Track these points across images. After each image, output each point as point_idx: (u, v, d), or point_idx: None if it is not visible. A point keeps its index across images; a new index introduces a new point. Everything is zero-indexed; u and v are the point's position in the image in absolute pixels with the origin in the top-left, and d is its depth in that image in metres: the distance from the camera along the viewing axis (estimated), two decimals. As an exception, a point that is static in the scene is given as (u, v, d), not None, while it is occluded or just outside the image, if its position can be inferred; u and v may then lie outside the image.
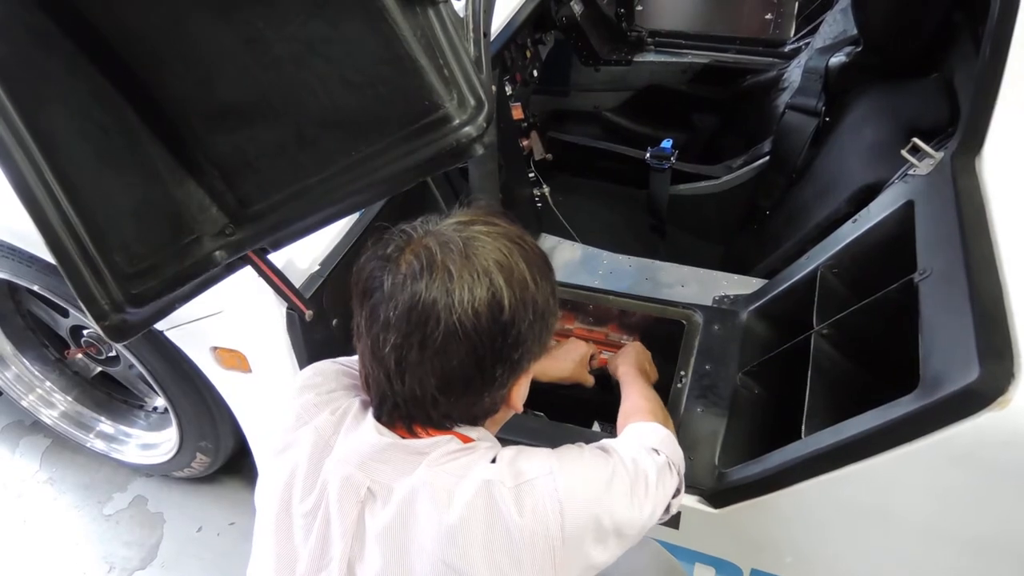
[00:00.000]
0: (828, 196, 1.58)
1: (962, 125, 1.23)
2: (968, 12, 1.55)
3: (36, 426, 2.01)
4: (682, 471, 1.01)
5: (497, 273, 0.74)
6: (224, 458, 1.73)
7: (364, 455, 0.79)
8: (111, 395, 1.87)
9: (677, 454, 1.01)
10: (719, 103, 2.44)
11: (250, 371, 1.35)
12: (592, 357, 1.46)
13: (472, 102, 0.94)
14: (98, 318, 0.92)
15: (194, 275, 1.05)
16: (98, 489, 1.91)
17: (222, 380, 1.42)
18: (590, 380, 1.43)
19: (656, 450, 0.96)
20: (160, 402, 1.82)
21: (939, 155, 1.24)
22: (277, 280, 1.16)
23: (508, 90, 1.57)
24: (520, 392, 0.84)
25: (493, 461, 0.79)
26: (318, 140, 1.00)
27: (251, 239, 1.08)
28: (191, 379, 1.47)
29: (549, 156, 1.73)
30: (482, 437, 0.84)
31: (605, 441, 0.93)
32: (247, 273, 1.12)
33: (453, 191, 1.67)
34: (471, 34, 0.95)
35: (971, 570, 1.04)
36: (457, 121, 0.94)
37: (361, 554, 0.77)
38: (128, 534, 1.81)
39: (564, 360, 1.42)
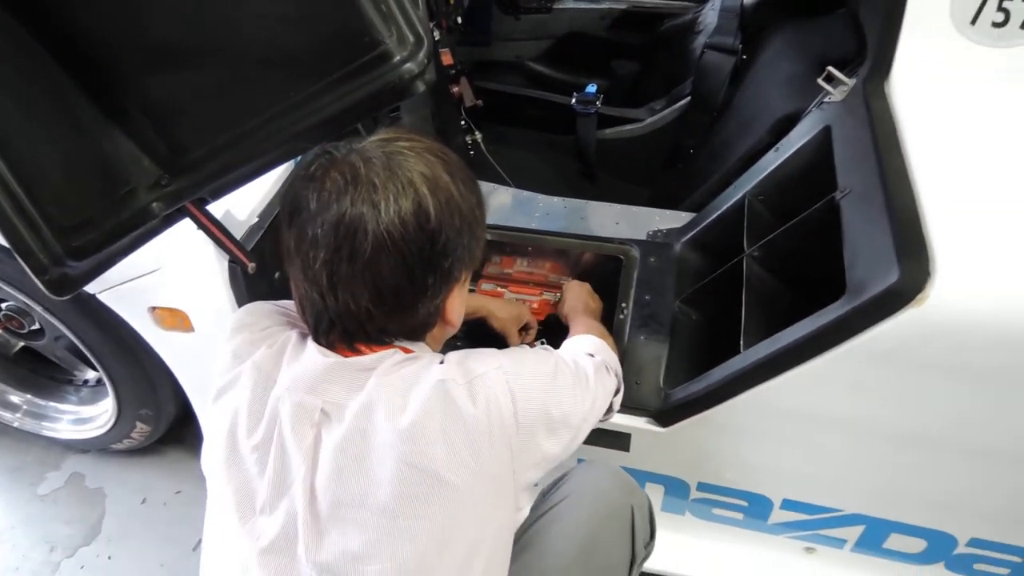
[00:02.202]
0: (750, 129, 1.64)
1: (871, 53, 1.30)
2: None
3: (-48, 412, 1.89)
4: (619, 374, 1.08)
5: (421, 183, 0.77)
6: (166, 426, 1.69)
7: (311, 379, 0.80)
8: (35, 371, 1.78)
9: (612, 358, 1.08)
10: (638, 48, 2.48)
11: (192, 330, 1.32)
12: (527, 327, 1.49)
13: (411, 38, 0.93)
14: (37, 272, 0.88)
15: (132, 228, 1.02)
16: (29, 470, 1.84)
17: (162, 342, 1.38)
18: (515, 340, 1.46)
19: (591, 354, 1.03)
20: (91, 375, 1.75)
21: (852, 82, 1.31)
22: (217, 232, 1.13)
23: (436, 35, 1.56)
24: (454, 306, 0.86)
25: (441, 364, 0.81)
26: (256, 81, 0.97)
27: (189, 189, 1.05)
28: (128, 344, 1.42)
29: (479, 103, 1.74)
30: (424, 351, 0.86)
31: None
32: (184, 227, 1.09)
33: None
34: None
35: (900, 462, 1.15)
36: (398, 58, 0.93)
37: (318, 471, 0.78)
38: (67, 512, 1.75)
39: (509, 304, 1.47)
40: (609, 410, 1.05)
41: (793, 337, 1.05)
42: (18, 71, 0.91)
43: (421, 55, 0.95)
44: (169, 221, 1.07)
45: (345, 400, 0.79)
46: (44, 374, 1.79)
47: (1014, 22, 1.12)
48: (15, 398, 1.77)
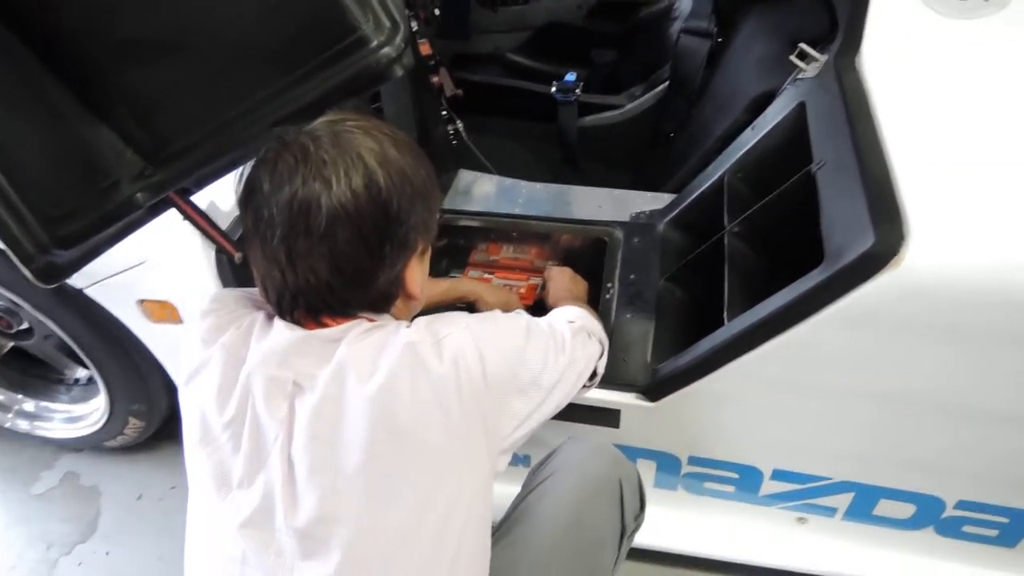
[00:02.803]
0: (727, 110, 1.67)
1: (842, 29, 1.33)
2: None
3: (-57, 417, 1.89)
4: (604, 340, 1.11)
5: (370, 157, 0.80)
6: (159, 420, 1.69)
7: (281, 353, 0.81)
8: (25, 372, 1.78)
9: (594, 324, 1.10)
10: (616, 36, 2.50)
11: (181, 322, 1.33)
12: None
13: (388, 23, 0.94)
14: (24, 261, 0.89)
15: (117, 218, 1.03)
16: (22, 471, 1.83)
17: (152, 335, 1.39)
18: None
19: (571, 320, 1.05)
20: (82, 373, 1.75)
21: (824, 58, 1.34)
22: (202, 222, 1.14)
23: (414, 26, 1.57)
24: (415, 278, 0.88)
25: (408, 328, 0.84)
26: (233, 71, 0.98)
27: (172, 179, 1.06)
28: (117, 339, 1.43)
29: (460, 92, 1.75)
30: (390, 322, 0.88)
31: None
32: (169, 219, 1.10)
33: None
34: None
35: (882, 423, 1.17)
36: (375, 43, 0.94)
37: (295, 441, 0.79)
38: (63, 510, 1.75)
39: (498, 290, 1.51)
40: (594, 375, 1.07)
41: (774, 306, 1.08)
42: None
43: (398, 39, 0.96)
44: (154, 211, 1.08)
45: (316, 371, 0.80)
46: (34, 374, 1.79)
47: (979, -7, 1.15)
48: (6, 399, 1.77)
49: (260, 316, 0.88)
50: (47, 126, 0.98)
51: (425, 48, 1.62)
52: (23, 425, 1.76)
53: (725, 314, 1.19)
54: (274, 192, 0.78)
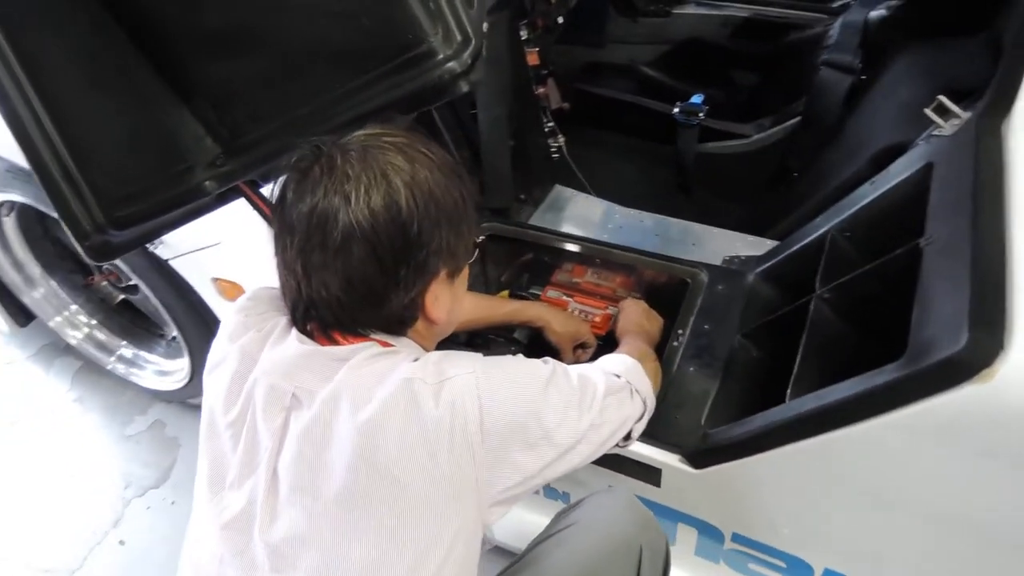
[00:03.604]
0: (853, 157, 1.51)
1: (993, 84, 1.15)
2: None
3: (69, 349, 2.09)
4: (649, 399, 1.01)
5: (394, 175, 0.77)
6: (234, 389, 1.78)
7: (287, 364, 0.81)
8: (133, 322, 1.94)
9: (642, 381, 1.01)
10: (761, 59, 2.33)
11: (249, 304, 1.38)
12: (585, 345, 1.45)
13: (459, 37, 0.94)
14: (79, 237, 0.95)
15: (182, 203, 1.07)
16: (121, 411, 2.00)
17: (225, 311, 1.45)
18: (569, 357, 1.42)
19: (617, 375, 0.96)
20: (176, 332, 1.88)
21: (965, 116, 1.16)
22: (269, 212, 1.17)
23: (524, 34, 1.53)
24: (438, 303, 0.84)
25: (415, 362, 0.80)
26: (304, 71, 1.00)
27: (241, 170, 1.09)
28: (197, 310, 1.51)
29: (566, 105, 1.69)
30: (406, 347, 0.84)
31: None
32: (242, 205, 1.13)
33: (466, 137, 1.65)
34: None
35: (948, 550, 1.01)
36: (441, 56, 0.94)
37: (283, 455, 0.79)
38: (146, 455, 1.89)
39: (569, 319, 1.45)
40: (628, 437, 0.99)
41: (841, 394, 0.95)
42: (94, 51, 0.98)
43: (466, 55, 0.95)
44: (222, 200, 1.12)
45: (316, 387, 0.79)
46: (140, 325, 1.95)
47: None
48: (111, 343, 1.94)
49: (283, 322, 0.88)
50: (133, 110, 1.03)
51: (533, 58, 1.58)
52: (121, 369, 1.92)
53: (789, 389, 1.06)
54: (297, 201, 0.78)
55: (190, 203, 1.08)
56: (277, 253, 0.83)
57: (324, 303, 0.80)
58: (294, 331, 0.85)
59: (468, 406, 0.77)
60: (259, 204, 1.14)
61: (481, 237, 0.94)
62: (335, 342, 0.82)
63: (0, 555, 1.71)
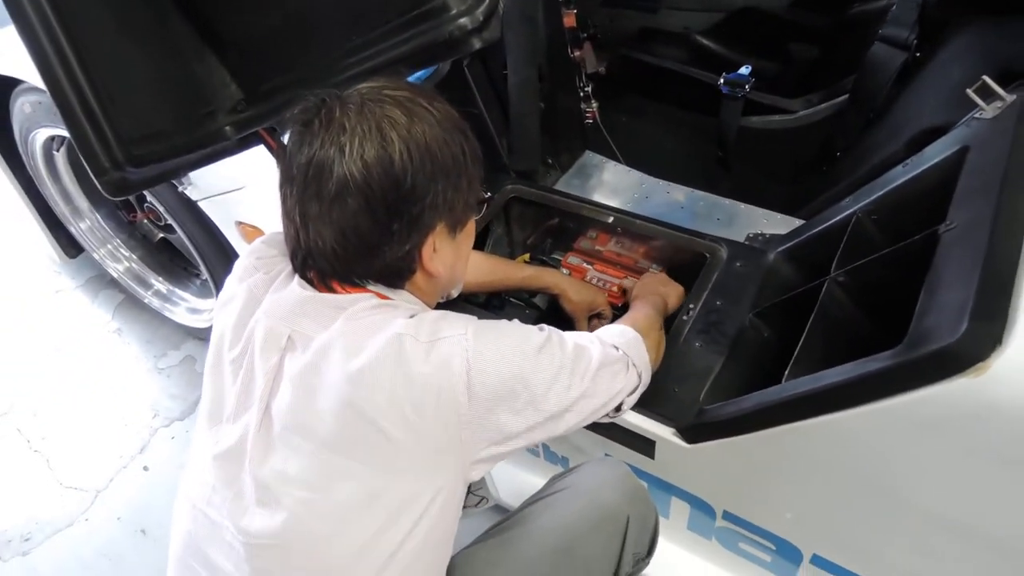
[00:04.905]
0: (894, 139, 1.44)
1: (1042, 65, 1.08)
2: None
3: (113, 282, 2.19)
4: (645, 372, 1.01)
5: (390, 128, 0.77)
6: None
7: (287, 308, 0.83)
8: (172, 260, 2.02)
9: (640, 354, 1.00)
10: (820, 32, 2.23)
11: (270, 248, 1.41)
12: (600, 315, 1.44)
13: None
14: (97, 173, 0.98)
15: (202, 145, 1.10)
16: (157, 344, 2.10)
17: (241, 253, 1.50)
18: (583, 326, 1.43)
19: (616, 346, 0.96)
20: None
21: (1010, 98, 1.10)
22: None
23: (562, -6, 1.51)
24: (437, 256, 0.85)
25: (410, 318, 0.81)
26: (320, 23, 1.01)
27: (261, 117, 1.11)
28: (225, 252, 1.56)
29: (602, 70, 1.65)
30: (405, 300, 0.85)
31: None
32: (265, 151, 1.16)
33: (497, 97, 1.64)
34: None
35: (935, 546, 0.98)
36: (455, 11, 0.93)
37: (276, 393, 0.82)
38: (175, 387, 1.98)
39: (586, 288, 1.44)
40: (619, 408, 0.99)
41: (834, 379, 0.92)
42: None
43: (480, 11, 0.94)
44: (242, 145, 1.15)
45: (312, 333, 0.81)
46: (178, 264, 2.02)
47: None
48: (151, 279, 2.02)
49: (289, 267, 0.90)
50: (166, 54, 1.06)
51: (570, 20, 1.55)
52: (155, 303, 2.01)
53: (787, 370, 1.04)
54: (297, 152, 0.80)
55: (210, 146, 1.10)
56: (281, 202, 0.85)
57: (320, 253, 0.81)
58: (297, 276, 0.87)
59: (457, 367, 0.78)
60: (279, 151, 1.17)
61: (488, 196, 0.94)
62: (333, 291, 0.84)
63: (35, 473, 1.83)
